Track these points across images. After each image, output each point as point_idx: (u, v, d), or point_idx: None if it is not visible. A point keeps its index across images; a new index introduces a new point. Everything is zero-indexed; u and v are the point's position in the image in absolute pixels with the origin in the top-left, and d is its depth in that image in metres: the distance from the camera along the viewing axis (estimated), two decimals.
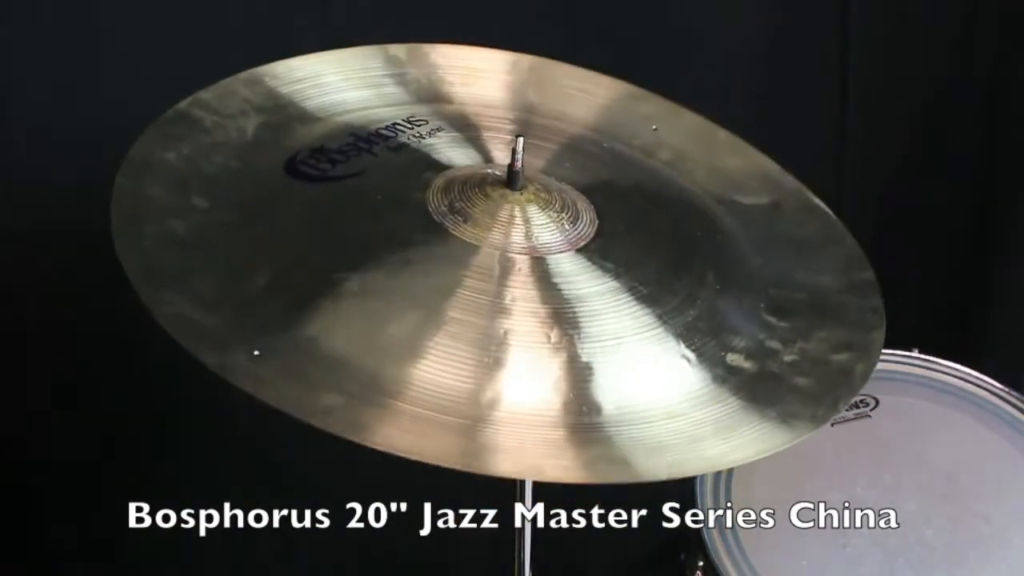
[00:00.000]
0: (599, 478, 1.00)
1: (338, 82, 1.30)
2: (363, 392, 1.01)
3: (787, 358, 1.13)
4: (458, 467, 0.98)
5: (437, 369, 1.03)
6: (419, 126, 1.25)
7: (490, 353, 1.05)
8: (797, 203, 1.33)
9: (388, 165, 1.20)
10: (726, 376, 1.10)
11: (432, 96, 1.32)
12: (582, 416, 1.04)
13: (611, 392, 1.06)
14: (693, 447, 1.04)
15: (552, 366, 1.06)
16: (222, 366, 1.00)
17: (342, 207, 1.16)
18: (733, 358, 1.11)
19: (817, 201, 1.33)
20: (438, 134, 1.25)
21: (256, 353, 1.02)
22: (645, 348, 1.09)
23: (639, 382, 1.08)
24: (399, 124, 1.25)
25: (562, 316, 1.09)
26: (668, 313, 1.12)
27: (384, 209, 1.16)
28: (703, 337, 1.12)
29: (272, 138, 1.22)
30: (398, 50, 1.35)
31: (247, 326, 1.04)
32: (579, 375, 1.06)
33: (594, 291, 1.12)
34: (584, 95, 1.38)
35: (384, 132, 1.24)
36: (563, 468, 1.01)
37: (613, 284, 1.13)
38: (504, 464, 1.02)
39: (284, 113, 1.26)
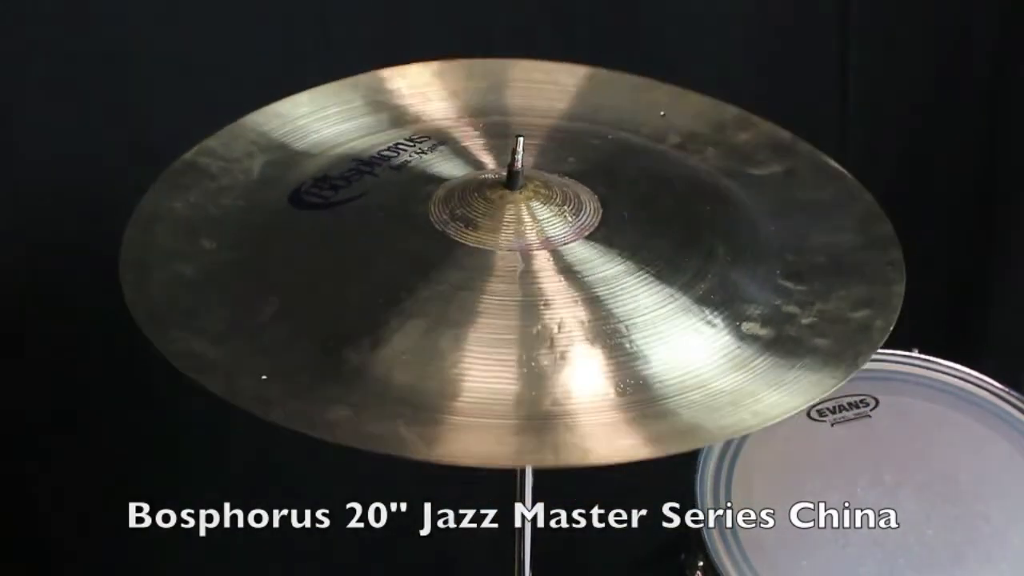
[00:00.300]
0: (649, 453, 1.01)
1: (339, 114, 1.32)
2: (402, 409, 1.02)
3: (805, 321, 1.14)
4: (522, 466, 0.98)
5: (474, 375, 1.04)
6: (421, 143, 1.26)
7: (527, 350, 1.06)
8: (811, 168, 1.34)
9: (390, 184, 1.21)
10: (742, 345, 1.11)
11: (426, 114, 1.33)
12: (621, 397, 1.05)
13: (639, 370, 1.07)
14: (712, 415, 1.06)
15: (582, 354, 1.07)
16: (231, 393, 1.01)
17: (345, 229, 1.18)
18: (748, 327, 1.12)
19: (832, 163, 1.34)
20: (439, 148, 1.26)
21: (264, 377, 1.02)
22: (662, 324, 1.11)
23: (662, 357, 1.09)
24: (401, 144, 1.27)
25: (584, 303, 1.10)
26: (680, 289, 1.13)
27: (387, 225, 1.18)
28: (716, 309, 1.13)
29: (278, 175, 1.24)
30: (396, 73, 1.37)
31: (256, 353, 1.05)
32: (608, 357, 1.07)
33: (606, 275, 1.13)
34: (575, 90, 1.39)
35: (386, 153, 1.25)
36: (624, 448, 1.02)
37: (622, 267, 1.14)
38: (560, 455, 1.03)
39: (289, 150, 1.28)
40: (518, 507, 1.27)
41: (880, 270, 1.21)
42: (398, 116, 1.33)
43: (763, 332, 1.12)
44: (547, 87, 1.38)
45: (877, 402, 1.53)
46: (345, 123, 1.31)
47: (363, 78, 1.36)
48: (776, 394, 1.07)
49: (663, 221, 1.21)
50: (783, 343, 1.11)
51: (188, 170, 1.24)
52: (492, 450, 1.01)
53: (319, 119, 1.31)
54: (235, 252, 1.15)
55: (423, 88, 1.36)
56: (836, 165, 1.34)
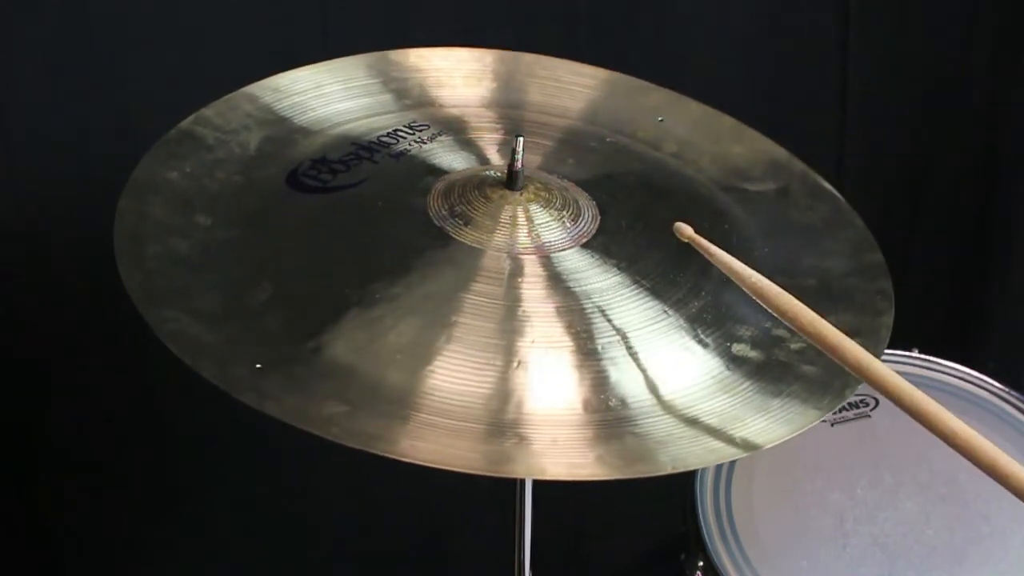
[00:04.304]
0: (628, 473, 1.00)
1: (340, 92, 1.30)
2: (379, 404, 1.01)
3: (794, 346, 1.13)
4: (486, 473, 0.98)
5: (453, 376, 1.03)
6: (420, 131, 1.25)
7: (505, 356, 1.05)
8: (805, 188, 1.33)
9: (389, 172, 1.20)
10: (732, 367, 1.10)
11: (428, 101, 1.32)
12: (602, 413, 1.04)
13: (624, 386, 1.06)
14: (697, 439, 1.04)
15: (568, 364, 1.07)
16: (224, 380, 1.00)
17: (342, 217, 1.17)
18: (739, 348, 1.11)
19: (825, 184, 1.33)
20: (439, 139, 1.25)
21: (258, 366, 1.02)
22: (653, 341, 1.10)
23: (650, 375, 1.08)
24: (400, 131, 1.25)
25: (574, 313, 1.09)
26: (673, 305, 1.12)
27: (385, 216, 1.16)
28: (708, 328, 1.12)
29: (275, 151, 1.23)
30: (399, 56, 1.36)
31: (249, 340, 1.04)
32: (595, 371, 1.06)
33: (600, 286, 1.12)
34: (577, 89, 1.38)
35: (385, 139, 1.24)
36: (585, 466, 1.01)
37: (617, 279, 1.13)
38: (531, 467, 1.02)
39: (286, 126, 1.26)
40: (518, 507, 1.26)
41: (870, 299, 1.20)
42: (401, 100, 1.32)
43: (753, 354, 1.11)
44: (553, 85, 1.38)
45: (877, 402, 1.53)
46: (345, 102, 1.30)
47: (367, 57, 1.35)
48: (762, 421, 1.07)
49: (660, 234, 1.19)
50: (772, 368, 1.10)
51: (184, 139, 1.22)
52: (459, 454, 0.99)
53: (318, 96, 1.29)
54: (230, 231, 1.14)
55: (430, 73, 1.35)
56: (829, 187, 1.33)
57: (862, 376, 1.04)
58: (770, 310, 1.07)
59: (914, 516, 1.43)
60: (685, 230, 1.11)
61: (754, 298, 1.07)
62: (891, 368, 1.55)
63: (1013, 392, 1.55)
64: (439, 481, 1.52)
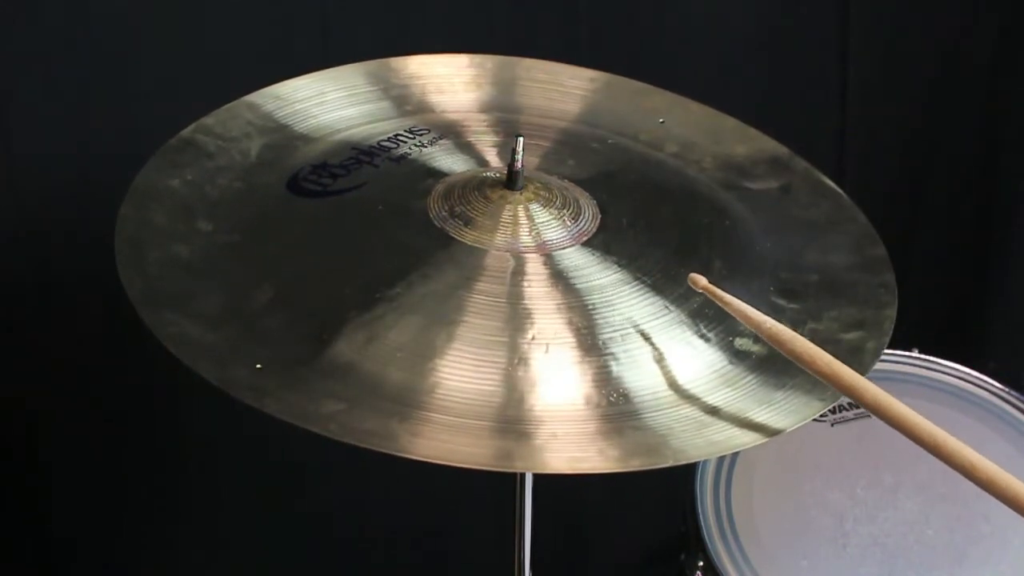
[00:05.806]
0: (631, 466, 1.00)
1: (340, 99, 1.31)
2: (379, 402, 1.01)
3: None
4: (488, 468, 0.98)
5: (455, 373, 1.04)
6: (421, 135, 1.26)
7: (507, 352, 1.06)
8: (807, 185, 1.34)
9: (389, 176, 1.21)
10: (735, 361, 1.11)
11: (429, 106, 1.33)
12: (604, 408, 1.04)
13: (626, 381, 1.06)
14: (699, 432, 1.05)
15: (570, 360, 1.07)
16: (224, 380, 1.01)
17: (343, 219, 1.17)
18: (741, 342, 1.12)
19: (828, 181, 1.34)
20: (440, 142, 1.26)
21: (258, 367, 1.02)
22: (655, 336, 1.10)
23: (652, 370, 1.08)
24: (401, 135, 1.26)
25: (575, 309, 1.10)
26: (674, 301, 1.13)
27: (385, 218, 1.17)
28: (710, 323, 1.12)
29: (275, 158, 1.23)
30: (400, 63, 1.36)
31: (250, 341, 1.04)
32: (597, 367, 1.07)
33: (602, 283, 1.12)
34: (577, 92, 1.38)
35: (385, 144, 1.24)
36: (587, 460, 1.01)
37: (618, 276, 1.13)
38: (533, 462, 1.03)
39: (287, 133, 1.27)
40: (518, 506, 1.27)
41: (872, 292, 1.21)
42: (401, 106, 1.32)
43: (755, 348, 1.12)
44: (552, 88, 1.38)
45: None
46: (345, 109, 1.30)
47: (367, 65, 1.35)
48: (765, 413, 1.07)
49: (661, 231, 1.21)
50: (775, 361, 1.10)
51: (185, 147, 1.22)
52: (468, 451, 1.00)
53: (319, 104, 1.30)
54: (231, 236, 1.14)
55: (429, 79, 1.36)
56: (832, 183, 1.34)
57: (881, 417, 1.04)
58: (786, 355, 1.07)
59: (914, 516, 1.43)
60: (699, 280, 1.11)
61: (772, 344, 1.08)
62: (891, 368, 1.57)
63: (1013, 392, 1.55)
64: (439, 481, 1.53)
